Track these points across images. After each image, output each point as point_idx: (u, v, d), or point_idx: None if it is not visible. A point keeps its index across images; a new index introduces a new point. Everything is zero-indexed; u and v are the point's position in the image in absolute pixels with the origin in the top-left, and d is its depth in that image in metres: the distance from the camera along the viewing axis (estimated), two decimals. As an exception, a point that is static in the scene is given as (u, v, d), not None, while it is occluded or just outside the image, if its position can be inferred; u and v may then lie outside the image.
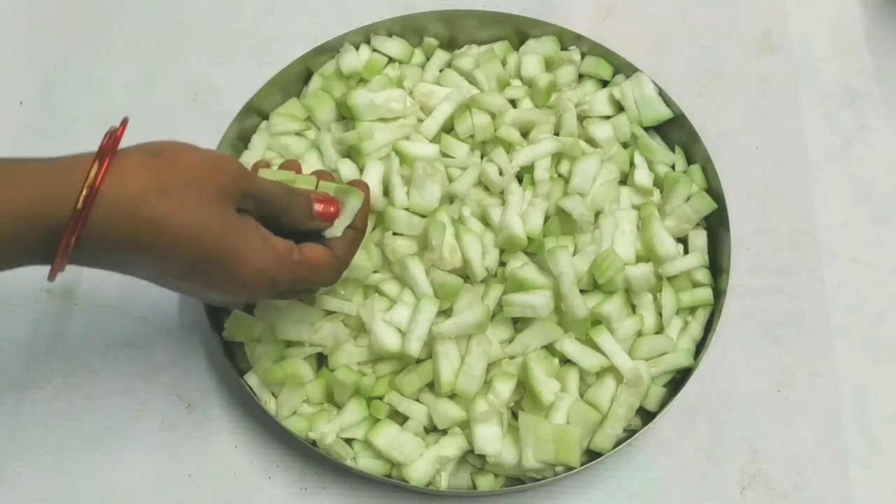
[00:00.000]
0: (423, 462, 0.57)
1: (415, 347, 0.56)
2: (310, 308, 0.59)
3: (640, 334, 0.61)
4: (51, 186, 0.41)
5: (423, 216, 0.61)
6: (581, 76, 0.71)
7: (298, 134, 0.68)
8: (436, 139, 0.65)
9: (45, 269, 0.66)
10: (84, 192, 0.40)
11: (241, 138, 0.68)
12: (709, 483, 0.61)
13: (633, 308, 0.61)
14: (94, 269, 0.52)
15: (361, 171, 0.63)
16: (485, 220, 0.62)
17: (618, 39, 0.70)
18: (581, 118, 0.67)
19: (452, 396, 0.58)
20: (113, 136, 0.43)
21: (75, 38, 0.77)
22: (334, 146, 0.64)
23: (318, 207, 0.50)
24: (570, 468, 0.56)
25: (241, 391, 0.62)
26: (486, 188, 0.64)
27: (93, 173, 0.41)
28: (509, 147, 0.65)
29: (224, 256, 0.45)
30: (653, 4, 0.79)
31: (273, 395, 0.60)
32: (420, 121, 0.66)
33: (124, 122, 0.44)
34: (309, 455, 0.61)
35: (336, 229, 0.52)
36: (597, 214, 0.62)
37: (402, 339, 0.57)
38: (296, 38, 0.76)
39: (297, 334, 0.59)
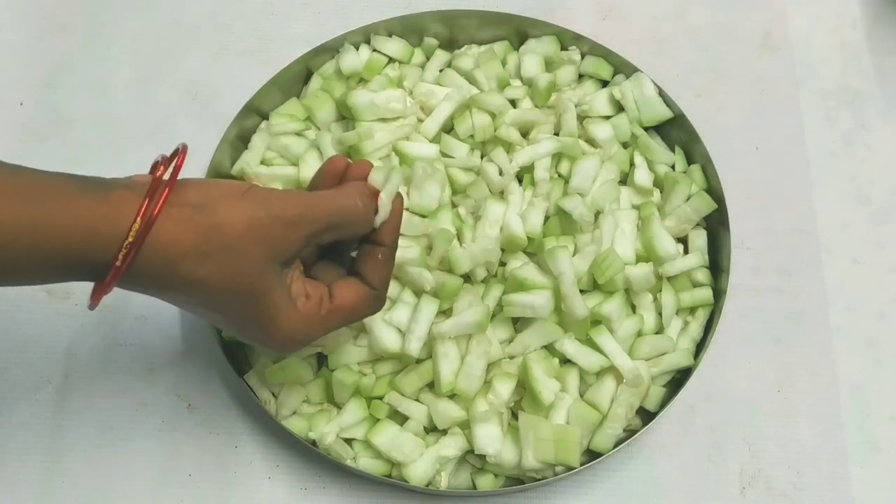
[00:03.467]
0: (423, 462, 0.57)
1: (415, 347, 0.56)
2: None
3: (640, 334, 0.61)
4: (94, 233, 0.40)
5: (424, 216, 0.61)
6: (581, 76, 0.71)
7: (298, 134, 0.68)
8: (436, 139, 0.65)
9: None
10: (122, 253, 0.40)
11: (241, 138, 0.68)
12: (709, 483, 0.61)
13: (633, 308, 0.61)
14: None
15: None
16: (485, 220, 0.62)
17: (618, 39, 0.70)
18: (581, 118, 0.67)
19: (452, 396, 0.58)
20: (157, 188, 0.41)
21: (75, 38, 0.77)
22: (334, 146, 0.64)
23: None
24: (570, 468, 0.56)
25: (241, 391, 0.62)
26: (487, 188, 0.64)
27: (135, 229, 0.40)
28: (509, 147, 0.65)
29: (257, 321, 0.45)
30: (653, 4, 0.79)
31: (273, 395, 0.60)
32: (420, 121, 0.66)
33: (174, 171, 0.42)
34: (309, 455, 0.61)
35: (381, 213, 0.49)
36: (597, 214, 0.62)
37: (402, 339, 0.57)
38: (296, 38, 0.76)
39: None
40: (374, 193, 0.50)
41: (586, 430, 0.57)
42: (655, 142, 0.68)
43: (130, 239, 0.40)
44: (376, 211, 0.49)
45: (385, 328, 0.57)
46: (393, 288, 0.59)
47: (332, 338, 0.59)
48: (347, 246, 0.52)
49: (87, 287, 0.66)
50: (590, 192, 0.62)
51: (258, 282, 0.44)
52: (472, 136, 0.65)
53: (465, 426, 0.57)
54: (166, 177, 0.42)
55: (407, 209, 0.61)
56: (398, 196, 0.51)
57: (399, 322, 0.58)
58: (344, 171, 0.51)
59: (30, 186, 0.40)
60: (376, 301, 0.50)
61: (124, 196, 0.41)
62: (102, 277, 0.42)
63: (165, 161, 0.43)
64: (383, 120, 0.65)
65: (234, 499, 0.61)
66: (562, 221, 0.61)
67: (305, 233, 0.45)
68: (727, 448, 0.62)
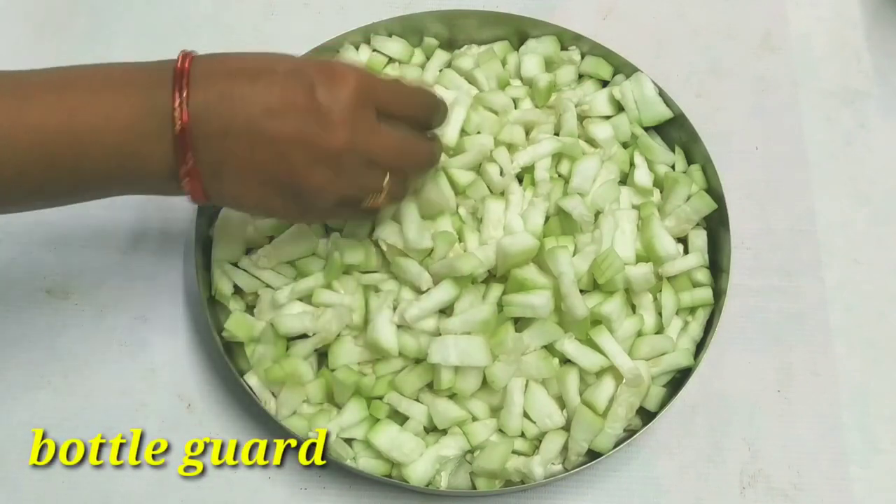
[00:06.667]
0: (423, 462, 0.57)
1: (415, 313, 0.56)
2: (308, 306, 0.60)
3: (640, 334, 0.60)
4: (156, 67, 0.46)
5: (424, 217, 0.61)
6: (581, 76, 0.71)
7: (298, 134, 0.68)
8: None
9: (43, 269, 0.67)
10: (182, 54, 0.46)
11: (241, 138, 0.68)
12: (709, 483, 0.61)
13: (633, 308, 0.61)
14: (93, 271, 0.52)
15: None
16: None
17: (618, 39, 0.70)
18: (581, 118, 0.67)
19: (452, 396, 0.58)
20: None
21: (75, 38, 0.77)
22: None
23: None
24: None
25: (241, 391, 0.62)
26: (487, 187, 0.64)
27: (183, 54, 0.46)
28: (511, 147, 0.65)
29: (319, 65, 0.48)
30: (653, 4, 0.79)
31: (273, 395, 0.60)
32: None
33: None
34: (309, 455, 0.61)
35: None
36: (597, 214, 0.62)
37: (398, 340, 0.57)
38: (296, 38, 0.75)
39: (300, 325, 0.59)
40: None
41: (588, 434, 0.57)
42: (655, 142, 0.68)
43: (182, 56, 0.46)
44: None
45: (386, 323, 0.57)
46: (392, 287, 0.60)
47: (335, 321, 0.58)
48: None
49: (87, 286, 0.67)
50: (590, 192, 0.62)
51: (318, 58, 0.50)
52: (478, 132, 0.65)
53: (465, 426, 0.57)
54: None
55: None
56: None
57: (409, 316, 0.57)
58: None
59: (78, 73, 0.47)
60: (437, 148, 0.56)
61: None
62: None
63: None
64: None
65: (235, 499, 0.61)
66: (562, 221, 0.61)
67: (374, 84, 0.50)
68: (727, 448, 0.62)
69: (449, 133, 0.64)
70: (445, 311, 0.59)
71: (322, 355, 0.61)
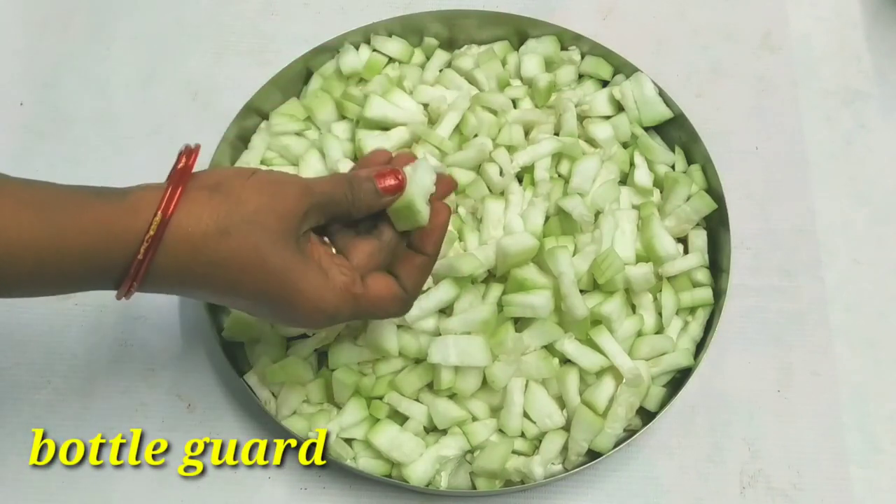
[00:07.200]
0: (423, 462, 0.57)
1: (414, 314, 0.56)
2: None
3: (640, 334, 0.61)
4: (113, 234, 0.41)
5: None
6: (581, 76, 0.71)
7: (298, 134, 0.68)
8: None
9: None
10: (145, 245, 0.41)
11: (241, 138, 0.68)
12: (709, 483, 0.61)
13: (633, 308, 0.61)
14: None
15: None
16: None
17: (618, 39, 0.70)
18: (581, 118, 0.67)
19: (452, 396, 0.58)
20: (174, 188, 0.42)
21: (75, 38, 0.77)
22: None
23: (381, 184, 0.48)
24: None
25: (241, 391, 0.62)
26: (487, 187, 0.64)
27: (156, 221, 0.41)
28: (510, 147, 0.65)
29: (284, 294, 0.45)
30: (653, 4, 0.79)
31: (273, 395, 0.60)
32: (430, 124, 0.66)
33: (190, 164, 0.43)
34: (309, 455, 0.61)
35: (407, 195, 0.48)
36: (597, 214, 0.62)
37: (398, 340, 0.57)
38: (296, 38, 0.76)
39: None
40: (386, 173, 0.48)
41: (588, 434, 0.57)
42: (655, 142, 0.68)
43: (151, 232, 0.41)
44: (389, 191, 0.48)
45: (385, 326, 0.57)
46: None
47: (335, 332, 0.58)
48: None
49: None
50: (590, 192, 0.62)
51: (280, 252, 0.44)
52: (475, 135, 0.65)
53: (465, 426, 0.57)
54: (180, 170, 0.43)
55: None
56: (445, 208, 0.50)
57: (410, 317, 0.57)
58: (387, 163, 0.51)
59: (44, 197, 0.41)
60: (405, 304, 0.50)
61: (140, 196, 0.42)
62: (121, 280, 0.42)
63: (183, 154, 0.44)
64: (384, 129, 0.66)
65: (235, 499, 0.61)
66: (562, 221, 0.61)
67: (305, 208, 0.45)
68: (727, 448, 0.62)
69: (442, 135, 0.64)
70: (445, 310, 0.59)
71: (322, 355, 0.61)
